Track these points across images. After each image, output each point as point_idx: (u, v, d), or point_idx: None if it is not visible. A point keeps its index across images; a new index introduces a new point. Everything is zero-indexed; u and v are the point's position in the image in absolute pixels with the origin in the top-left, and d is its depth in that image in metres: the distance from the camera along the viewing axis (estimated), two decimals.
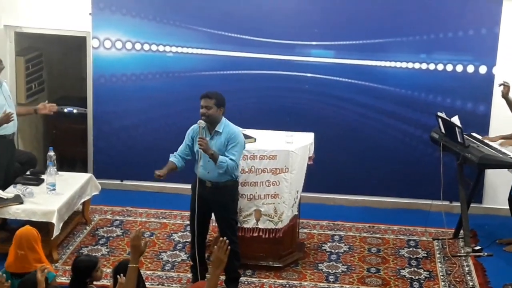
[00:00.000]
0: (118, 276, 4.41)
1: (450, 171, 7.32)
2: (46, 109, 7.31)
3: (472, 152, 6.80)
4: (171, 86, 8.15)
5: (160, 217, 7.74)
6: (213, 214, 6.18)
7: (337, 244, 7.26)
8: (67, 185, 7.07)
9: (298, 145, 6.58)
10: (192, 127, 6.13)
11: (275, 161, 6.40)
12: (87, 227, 7.41)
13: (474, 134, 7.38)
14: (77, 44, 8.64)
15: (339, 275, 6.64)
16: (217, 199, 5.98)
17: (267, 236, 6.50)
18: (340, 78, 7.96)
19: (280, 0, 7.94)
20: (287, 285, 6.43)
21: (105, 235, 7.28)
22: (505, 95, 7.09)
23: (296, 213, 6.81)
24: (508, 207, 7.20)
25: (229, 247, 4.14)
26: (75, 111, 8.92)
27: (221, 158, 5.83)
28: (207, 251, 6.36)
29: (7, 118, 6.77)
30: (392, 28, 7.81)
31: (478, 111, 7.86)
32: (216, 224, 6.26)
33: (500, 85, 7.12)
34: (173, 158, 6.13)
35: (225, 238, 4.20)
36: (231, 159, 5.85)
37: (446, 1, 7.71)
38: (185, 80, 8.13)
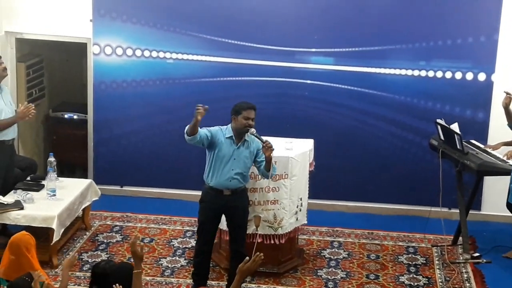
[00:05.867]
0: (114, 286, 4.39)
1: (449, 178, 7.32)
2: (25, 115, 6.86)
3: (471, 159, 6.81)
4: (171, 92, 8.17)
5: (160, 223, 7.76)
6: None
7: (336, 250, 7.27)
8: (68, 191, 7.09)
9: (298, 151, 6.59)
10: (220, 128, 6.03)
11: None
12: (87, 233, 7.43)
13: (473, 141, 7.40)
14: (78, 51, 8.66)
15: (338, 281, 6.65)
16: (236, 205, 6.04)
17: (267, 242, 6.49)
18: (339, 85, 7.98)
19: (280, 7, 7.96)
20: None
21: (105, 240, 7.30)
22: (506, 106, 7.04)
23: (305, 221, 6.85)
24: (507, 214, 7.21)
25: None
26: (75, 117, 8.95)
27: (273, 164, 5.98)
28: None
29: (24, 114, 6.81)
30: (391, 35, 7.83)
31: (477, 118, 7.88)
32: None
33: (505, 92, 7.06)
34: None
35: (261, 254, 4.52)
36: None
37: (445, 8, 7.73)
38: (185, 87, 8.15)
